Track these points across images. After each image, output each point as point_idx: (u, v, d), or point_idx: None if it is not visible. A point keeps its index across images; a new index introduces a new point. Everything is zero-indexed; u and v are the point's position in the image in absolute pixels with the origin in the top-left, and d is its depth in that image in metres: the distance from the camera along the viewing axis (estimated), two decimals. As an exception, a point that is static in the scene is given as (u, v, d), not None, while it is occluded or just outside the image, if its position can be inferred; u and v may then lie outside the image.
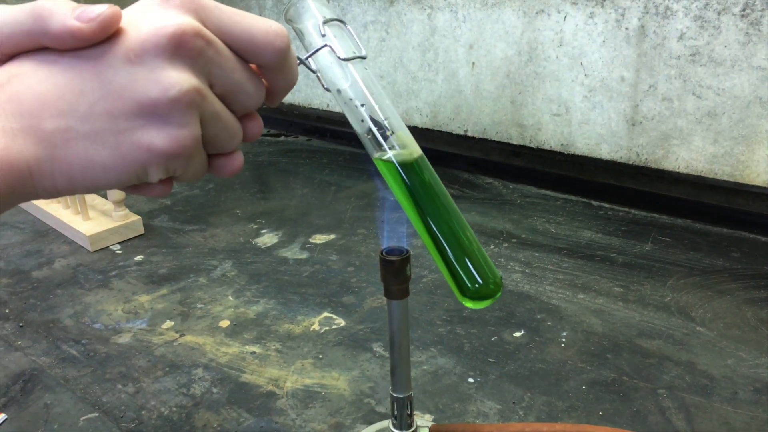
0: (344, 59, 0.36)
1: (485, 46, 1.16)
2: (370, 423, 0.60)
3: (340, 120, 1.48)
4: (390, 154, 0.36)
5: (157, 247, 0.98)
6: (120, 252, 0.97)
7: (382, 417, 0.61)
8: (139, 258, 0.95)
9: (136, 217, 1.02)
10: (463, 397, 0.63)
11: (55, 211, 1.05)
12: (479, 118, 1.22)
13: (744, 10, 0.88)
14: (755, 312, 0.76)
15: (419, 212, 0.37)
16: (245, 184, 1.24)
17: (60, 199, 1.06)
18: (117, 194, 0.99)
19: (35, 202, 1.09)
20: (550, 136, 1.14)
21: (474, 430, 0.53)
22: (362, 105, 0.36)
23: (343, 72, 0.36)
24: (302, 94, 1.57)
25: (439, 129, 1.29)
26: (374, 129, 0.36)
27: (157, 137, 0.27)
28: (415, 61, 1.27)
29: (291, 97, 1.59)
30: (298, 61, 0.34)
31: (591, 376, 0.66)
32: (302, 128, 1.55)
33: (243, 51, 0.30)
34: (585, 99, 1.07)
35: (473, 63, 1.18)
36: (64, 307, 0.83)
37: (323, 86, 0.37)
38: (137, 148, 0.27)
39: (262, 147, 1.46)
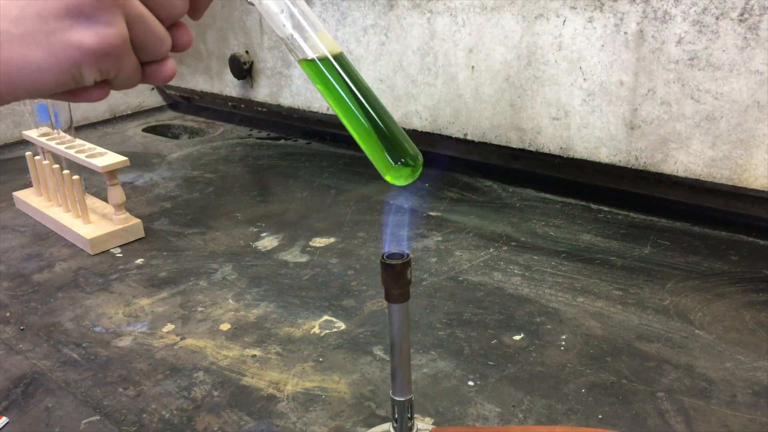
0: None
1: (484, 50, 1.16)
2: (370, 426, 0.60)
3: (340, 123, 1.48)
4: (310, 53, 0.39)
5: (157, 250, 0.99)
6: (120, 255, 0.98)
7: (383, 420, 0.61)
8: (139, 261, 0.95)
9: (136, 221, 1.02)
10: (463, 400, 0.64)
11: (56, 214, 1.06)
12: (478, 121, 1.23)
13: (742, 14, 0.89)
14: (754, 315, 0.76)
15: (344, 101, 0.40)
16: (245, 187, 1.25)
17: (60, 202, 1.07)
18: (118, 197, 1.00)
19: (36, 205, 1.09)
20: (549, 139, 1.15)
21: (474, 433, 0.53)
22: (282, 11, 0.39)
23: None
24: (302, 97, 1.57)
25: (439, 133, 1.30)
26: (295, 33, 0.39)
27: (86, 35, 0.29)
28: (414, 65, 1.28)
29: (291, 101, 1.59)
30: None
31: (590, 379, 0.66)
32: (302, 131, 1.56)
33: None
34: (584, 103, 1.08)
35: (473, 67, 1.19)
36: (64, 310, 0.83)
37: (246, 0, 0.39)
38: (68, 46, 0.29)
39: (262, 150, 1.47)
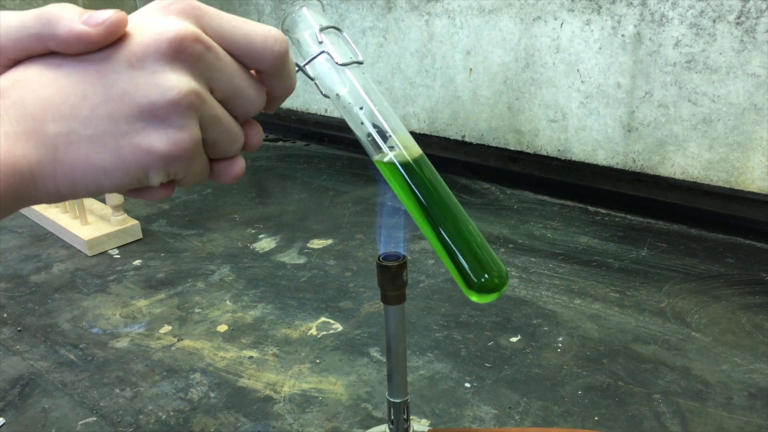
0: (341, 64, 0.37)
1: (482, 52, 1.16)
2: (367, 428, 0.60)
3: (338, 125, 1.49)
4: (390, 155, 0.37)
5: (155, 251, 0.99)
6: (118, 256, 0.98)
7: (379, 422, 0.61)
8: (137, 262, 0.95)
9: (134, 222, 1.02)
10: (460, 402, 0.64)
11: (54, 215, 1.06)
12: (476, 123, 1.23)
13: (739, 17, 0.89)
14: (750, 317, 0.76)
15: (423, 210, 0.38)
16: (243, 189, 1.25)
17: (58, 203, 1.07)
18: (115, 199, 1.00)
19: (34, 206, 1.09)
20: (546, 141, 1.15)
21: (470, 435, 0.53)
22: (361, 108, 0.37)
23: (341, 77, 0.37)
24: (300, 99, 1.57)
25: (437, 135, 1.30)
26: (373, 131, 0.37)
27: (157, 140, 0.28)
28: (412, 67, 1.28)
29: (289, 102, 1.60)
30: (297, 68, 0.35)
31: (587, 381, 0.66)
32: (300, 133, 1.56)
33: (242, 56, 0.30)
34: (581, 105, 1.08)
35: (471, 69, 1.19)
36: (62, 311, 0.83)
37: (321, 93, 0.37)
38: (138, 150, 0.28)
39: (260, 152, 1.47)
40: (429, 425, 0.61)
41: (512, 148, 1.20)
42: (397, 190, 0.38)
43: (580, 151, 1.12)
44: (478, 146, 1.24)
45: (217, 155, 0.32)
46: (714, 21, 0.91)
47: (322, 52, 0.37)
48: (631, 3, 0.97)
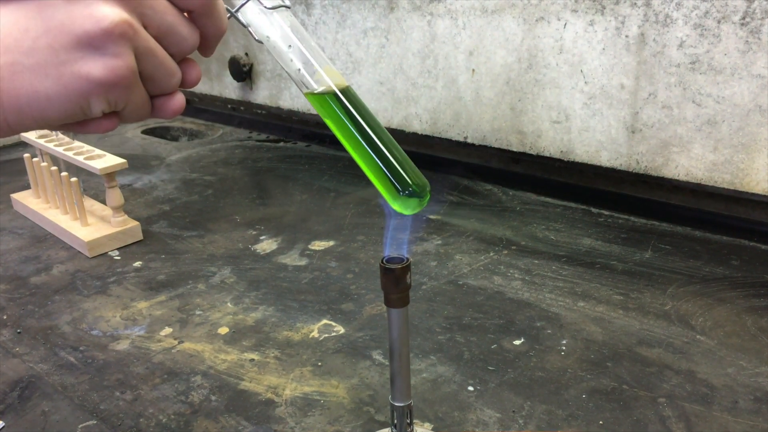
0: (269, 8, 0.39)
1: (485, 53, 1.16)
2: (369, 431, 0.59)
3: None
4: (316, 86, 0.40)
5: (155, 253, 0.98)
6: (118, 258, 0.97)
7: (382, 425, 0.61)
8: (137, 264, 0.95)
9: (134, 223, 1.02)
10: (463, 406, 0.63)
11: (54, 216, 1.05)
12: (479, 124, 1.22)
13: (744, 18, 0.88)
14: (755, 320, 0.75)
15: (352, 131, 0.40)
16: (244, 190, 1.24)
17: (59, 204, 1.06)
18: (116, 200, 0.99)
19: (34, 207, 1.09)
20: (549, 143, 1.14)
21: (474, 440, 0.53)
22: (289, 47, 0.40)
23: (270, 21, 0.40)
24: (301, 99, 1.57)
25: (439, 136, 1.29)
26: (302, 67, 0.40)
27: (94, 67, 0.30)
28: (414, 68, 1.27)
29: (290, 103, 1.59)
30: (229, 15, 0.38)
31: (591, 384, 0.66)
32: (301, 134, 1.56)
33: None
34: (585, 106, 1.07)
35: (473, 70, 1.19)
36: (62, 313, 0.82)
37: (255, 39, 0.40)
38: (77, 78, 0.30)
39: (261, 153, 1.46)
40: (432, 429, 0.60)
41: (515, 150, 1.19)
42: (327, 119, 0.41)
43: (583, 153, 1.11)
44: (480, 147, 1.24)
45: (155, 90, 0.34)
46: (719, 22, 0.90)
47: None
48: (635, 3, 0.97)
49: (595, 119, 1.07)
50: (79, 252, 0.99)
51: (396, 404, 0.51)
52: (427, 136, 1.31)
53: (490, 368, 0.69)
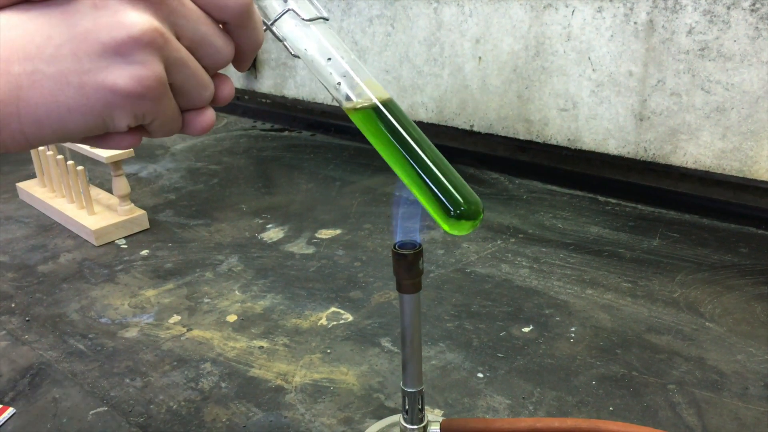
0: (307, 20, 0.38)
1: (492, 40, 1.15)
2: (379, 418, 0.59)
3: (345, 115, 1.47)
4: (356, 100, 0.38)
5: (162, 241, 0.98)
6: (125, 246, 0.97)
7: (392, 411, 0.61)
8: (144, 252, 0.95)
9: (141, 212, 1.02)
10: (473, 392, 0.63)
11: (60, 205, 1.05)
12: (485, 113, 1.22)
13: (754, 4, 0.88)
14: (764, 307, 0.75)
15: (397, 149, 0.38)
16: (250, 179, 1.24)
17: (65, 193, 1.06)
18: (122, 188, 0.99)
19: (40, 196, 1.09)
20: (557, 131, 1.14)
21: (485, 425, 0.53)
22: (329, 60, 0.38)
23: (307, 33, 0.38)
24: (306, 88, 1.56)
25: (445, 124, 1.29)
26: (342, 80, 0.38)
27: (120, 77, 0.28)
28: (420, 56, 1.27)
29: (295, 92, 1.59)
30: (265, 28, 0.36)
31: (600, 371, 0.66)
32: (306, 123, 1.55)
33: (207, 5, 0.31)
34: (592, 94, 1.07)
35: (480, 58, 1.18)
36: (70, 301, 0.82)
37: (290, 53, 0.38)
38: (101, 88, 0.28)
39: (267, 142, 1.46)
40: (442, 415, 0.60)
41: (522, 138, 1.19)
42: (369, 136, 0.39)
43: (590, 141, 1.10)
44: (487, 136, 1.23)
45: (186, 104, 0.33)
46: (728, 8, 0.90)
47: (288, 9, 0.37)
48: (644, -10, 0.96)
49: (603, 107, 1.06)
50: (86, 240, 0.99)
51: (408, 390, 0.51)
52: (433, 125, 1.30)
53: (500, 355, 0.69)
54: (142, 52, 0.28)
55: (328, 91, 0.39)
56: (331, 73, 0.38)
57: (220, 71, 0.34)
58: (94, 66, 0.28)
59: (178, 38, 0.30)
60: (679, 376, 0.65)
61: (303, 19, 0.37)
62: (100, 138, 0.31)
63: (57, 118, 0.28)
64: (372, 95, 0.38)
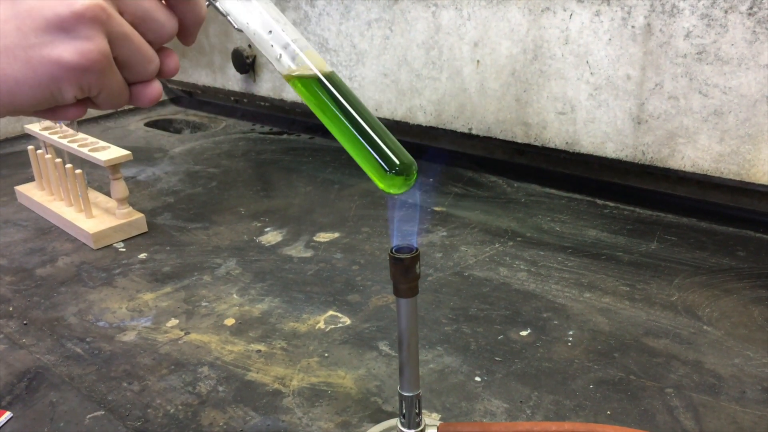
0: None
1: (490, 44, 1.15)
2: (377, 422, 0.59)
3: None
4: (295, 68, 0.40)
5: (160, 245, 0.98)
6: (123, 250, 0.97)
7: (389, 415, 0.61)
8: (142, 256, 0.95)
9: (139, 215, 1.02)
10: (470, 396, 0.63)
11: (58, 208, 1.05)
12: (483, 116, 1.22)
13: (751, 8, 0.88)
14: (762, 311, 0.75)
15: (336, 114, 0.40)
16: (248, 182, 1.24)
17: (63, 196, 1.06)
18: (121, 192, 0.99)
19: (38, 199, 1.09)
20: (555, 134, 1.14)
21: (483, 429, 0.53)
22: (270, 32, 0.39)
23: (247, 7, 0.39)
24: (305, 92, 1.56)
25: (443, 127, 1.29)
26: (283, 52, 0.40)
27: (65, 51, 0.29)
28: (419, 59, 1.27)
29: (294, 95, 1.59)
30: (207, 3, 0.38)
31: (598, 375, 0.66)
32: (305, 126, 1.55)
33: None
34: (590, 97, 1.07)
35: (478, 61, 1.18)
36: (67, 305, 0.82)
37: (234, 27, 0.40)
38: (47, 61, 0.29)
39: (265, 145, 1.46)
40: (440, 419, 0.60)
41: (520, 141, 1.19)
42: (309, 102, 0.41)
43: (588, 144, 1.11)
44: (485, 139, 1.23)
45: (132, 77, 0.34)
46: (726, 12, 0.90)
47: None
48: (642, -7, 0.96)
49: (601, 110, 1.07)
50: (84, 244, 0.99)
51: (405, 394, 0.51)
52: (431, 128, 1.31)
53: (497, 359, 0.69)
54: (85, 27, 0.29)
55: (271, 62, 0.40)
56: (272, 45, 0.39)
57: (165, 45, 0.35)
58: (39, 41, 0.29)
59: (121, 13, 0.31)
60: (676, 379, 0.65)
61: None
62: (48, 110, 0.33)
63: (6, 91, 0.29)
64: (311, 65, 0.40)
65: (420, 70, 1.28)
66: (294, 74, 0.40)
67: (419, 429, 0.52)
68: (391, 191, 0.40)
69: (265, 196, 1.16)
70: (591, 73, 1.05)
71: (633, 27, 0.99)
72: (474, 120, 1.24)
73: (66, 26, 0.29)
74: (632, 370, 0.66)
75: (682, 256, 0.89)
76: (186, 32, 0.36)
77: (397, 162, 0.40)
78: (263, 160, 1.36)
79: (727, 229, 0.96)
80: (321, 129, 1.52)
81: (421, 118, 1.32)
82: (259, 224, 1.04)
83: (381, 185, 0.40)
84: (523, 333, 0.73)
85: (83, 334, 0.76)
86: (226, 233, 1.01)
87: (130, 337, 0.75)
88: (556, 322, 0.75)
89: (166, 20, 0.33)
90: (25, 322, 0.79)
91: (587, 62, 1.05)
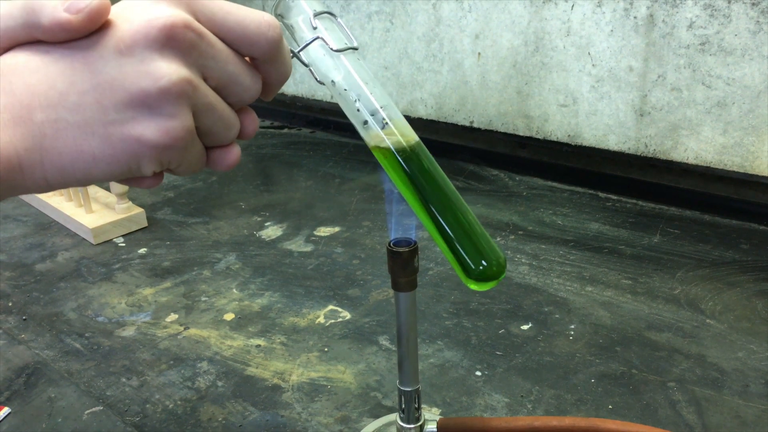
0: (336, 50, 0.36)
1: (491, 36, 1.14)
2: (376, 416, 0.59)
3: (343, 112, 1.47)
4: (387, 142, 0.36)
5: (160, 240, 0.98)
6: (123, 245, 0.97)
7: (389, 410, 0.60)
8: (142, 251, 0.94)
9: (139, 210, 1.01)
10: (471, 391, 0.63)
11: (58, 203, 1.05)
12: (485, 109, 1.21)
13: (755, -2, 0.87)
14: (765, 304, 0.75)
15: (420, 198, 0.37)
16: (248, 176, 1.23)
17: (62, 191, 1.06)
18: (120, 187, 0.99)
19: (37, 194, 1.09)
20: (556, 127, 1.13)
21: (482, 424, 0.52)
22: (357, 95, 0.37)
23: (336, 63, 0.36)
24: (305, 85, 1.56)
25: (445, 120, 1.28)
26: (370, 119, 0.36)
27: (148, 129, 0.27)
28: (419, 52, 1.26)
29: (294, 89, 1.58)
30: (291, 55, 0.34)
31: (600, 369, 0.65)
32: (306, 120, 1.55)
33: (236, 43, 0.30)
34: (592, 89, 1.06)
35: (479, 53, 1.17)
36: (67, 300, 0.82)
37: (316, 79, 0.37)
38: (127, 139, 0.27)
39: (266, 139, 1.46)
40: (440, 414, 0.60)
41: (521, 134, 1.18)
42: (394, 179, 0.38)
43: (590, 137, 1.10)
44: (486, 132, 1.22)
45: (212, 143, 0.31)
46: (729, 2, 0.89)
47: (317, 38, 0.36)
48: (644, -16, 0.95)
49: (603, 102, 1.06)
50: (84, 239, 0.99)
51: (404, 389, 0.50)
52: (432, 121, 1.30)
53: (498, 353, 0.68)
54: (171, 104, 0.27)
55: (353, 124, 0.37)
56: (358, 110, 0.37)
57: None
58: (120, 117, 0.27)
59: (206, 79, 0.29)
60: (679, 373, 0.64)
61: (332, 49, 0.36)
62: (123, 180, 0.31)
63: (82, 167, 0.27)
64: (401, 137, 0.36)
65: (421, 63, 1.27)
66: (382, 146, 0.37)
67: (419, 424, 0.51)
68: (476, 289, 0.37)
69: (265, 191, 1.16)
70: (593, 65, 1.04)
71: (635, 18, 0.98)
72: (475, 113, 1.23)
73: (151, 103, 0.27)
74: (634, 364, 0.66)
75: (684, 249, 0.88)
76: (268, 90, 0.33)
77: (481, 267, 0.36)
78: (264, 155, 1.36)
79: (731, 222, 0.95)
80: (322, 123, 1.51)
81: (422, 111, 1.31)
82: (259, 219, 1.04)
83: (465, 281, 0.37)
84: (525, 327, 0.73)
85: (82, 329, 0.76)
86: (226, 228, 1.01)
87: (129, 332, 0.75)
88: (557, 315, 0.74)
89: (251, 83, 0.31)
90: (24, 317, 0.79)
91: (589, 54, 1.04)
